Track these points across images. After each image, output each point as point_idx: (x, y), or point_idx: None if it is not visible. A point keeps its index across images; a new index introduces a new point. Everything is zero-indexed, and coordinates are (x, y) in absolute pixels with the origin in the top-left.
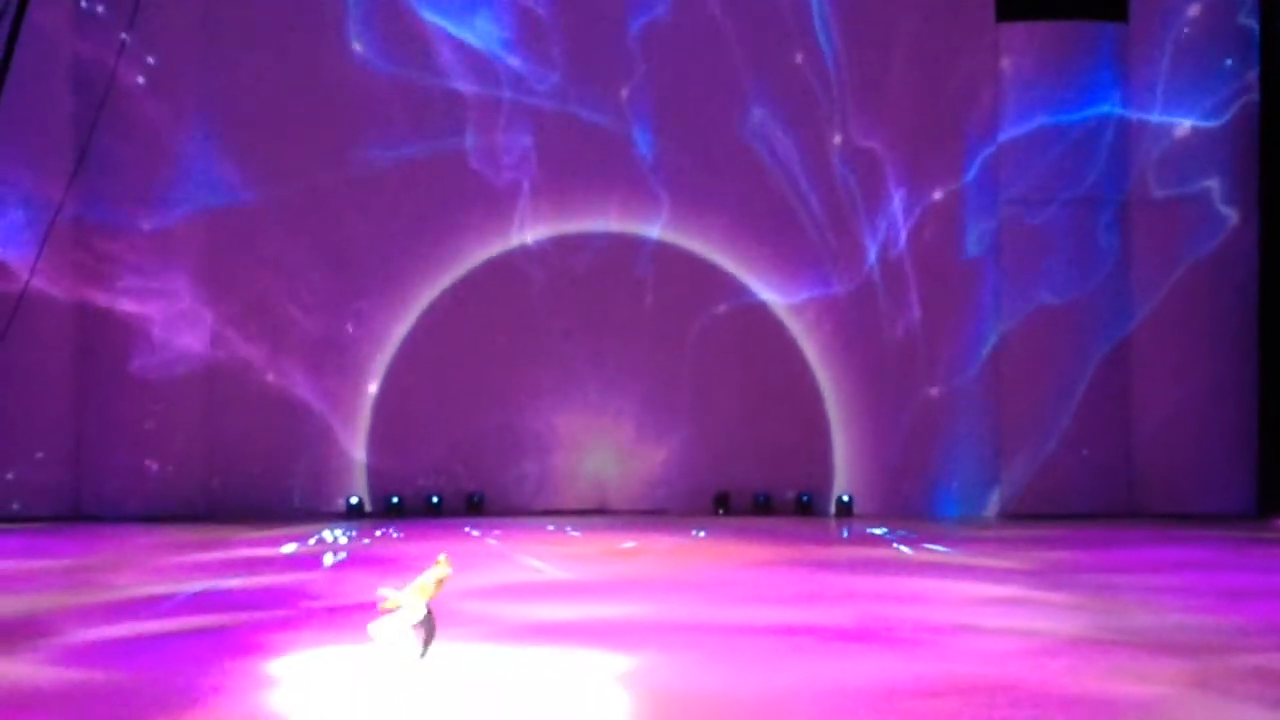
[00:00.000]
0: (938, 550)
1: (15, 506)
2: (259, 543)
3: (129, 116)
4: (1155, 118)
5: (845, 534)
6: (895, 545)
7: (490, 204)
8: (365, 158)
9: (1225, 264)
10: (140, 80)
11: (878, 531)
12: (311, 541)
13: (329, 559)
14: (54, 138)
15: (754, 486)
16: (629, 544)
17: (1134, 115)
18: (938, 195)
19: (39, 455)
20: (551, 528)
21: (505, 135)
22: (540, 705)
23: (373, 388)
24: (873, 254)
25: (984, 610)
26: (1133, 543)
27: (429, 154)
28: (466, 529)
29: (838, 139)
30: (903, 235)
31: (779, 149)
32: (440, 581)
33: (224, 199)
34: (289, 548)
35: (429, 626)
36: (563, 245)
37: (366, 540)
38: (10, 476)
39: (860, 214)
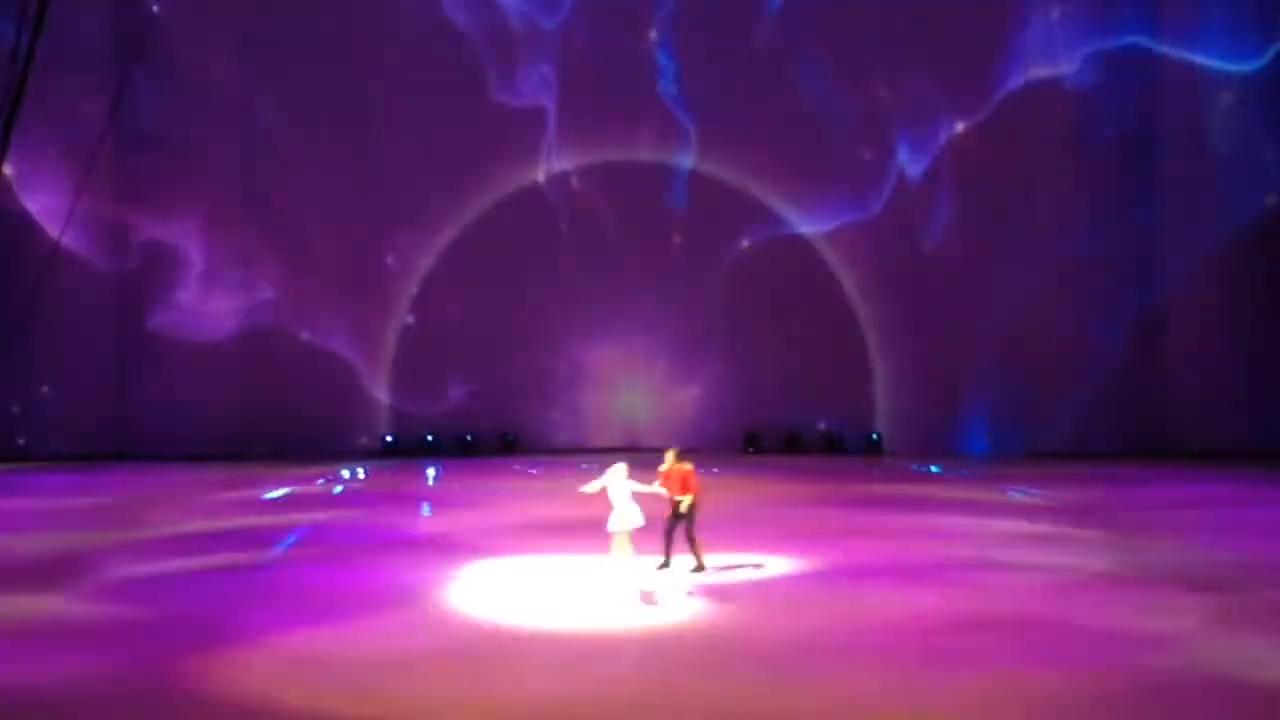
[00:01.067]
0: (967, 487)
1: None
2: (297, 480)
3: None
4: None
5: (875, 471)
6: (925, 482)
7: (515, 134)
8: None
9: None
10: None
11: (909, 468)
12: (345, 477)
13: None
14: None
15: (784, 424)
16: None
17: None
18: (961, 126)
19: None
20: (585, 466)
21: (525, 64)
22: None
23: (404, 322)
24: (908, 177)
25: (1012, 546)
26: (1159, 480)
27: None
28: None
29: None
30: (935, 161)
31: (810, 79)
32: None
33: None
34: (325, 486)
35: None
36: (590, 177)
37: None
38: (51, 413)
39: (897, 139)
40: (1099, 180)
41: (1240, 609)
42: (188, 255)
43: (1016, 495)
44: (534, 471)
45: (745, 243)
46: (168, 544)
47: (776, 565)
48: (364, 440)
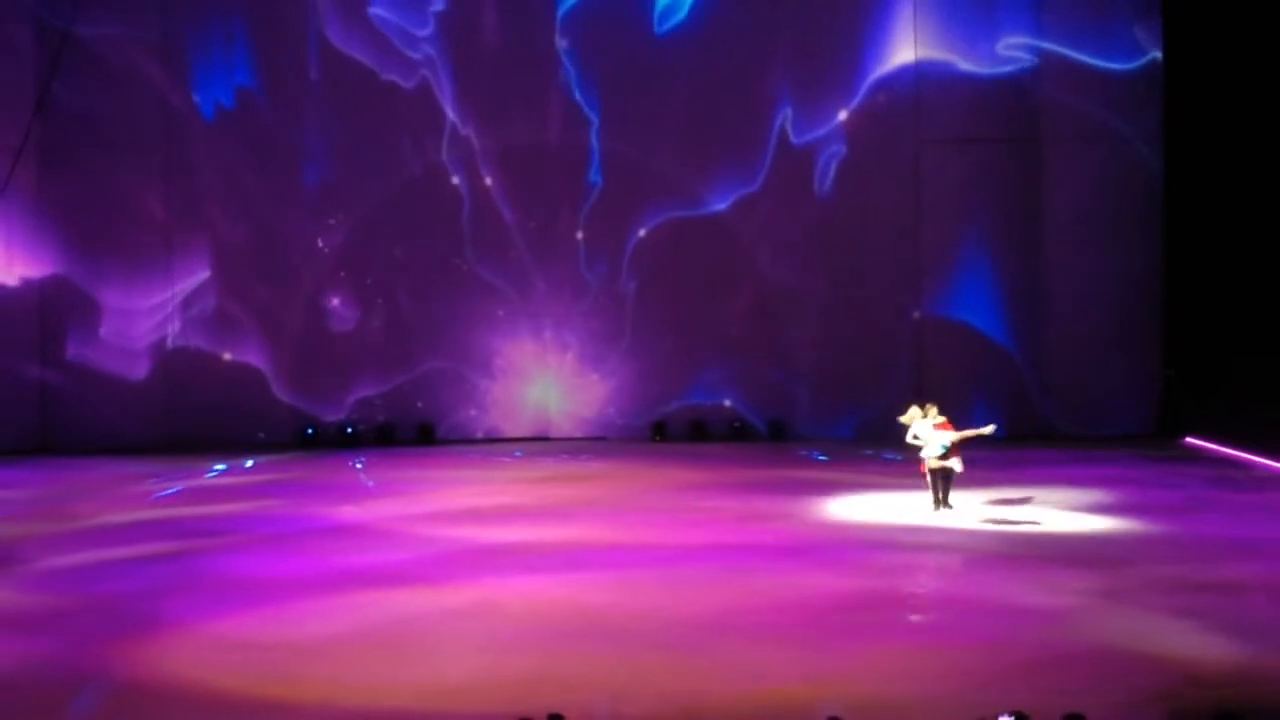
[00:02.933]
0: (856, 472)
1: None
2: (217, 472)
3: None
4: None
5: (778, 457)
6: (821, 467)
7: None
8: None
9: (1133, 195)
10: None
11: (809, 453)
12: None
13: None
14: None
15: (690, 412)
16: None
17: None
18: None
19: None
20: (518, 453)
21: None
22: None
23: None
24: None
25: (899, 529)
26: (1044, 462)
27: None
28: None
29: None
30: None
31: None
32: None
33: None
34: (238, 478)
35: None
36: (493, 164)
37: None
38: None
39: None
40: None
41: (1126, 585)
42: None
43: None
44: (518, 454)
45: (643, 232)
46: (93, 535)
47: (680, 548)
48: (262, 435)
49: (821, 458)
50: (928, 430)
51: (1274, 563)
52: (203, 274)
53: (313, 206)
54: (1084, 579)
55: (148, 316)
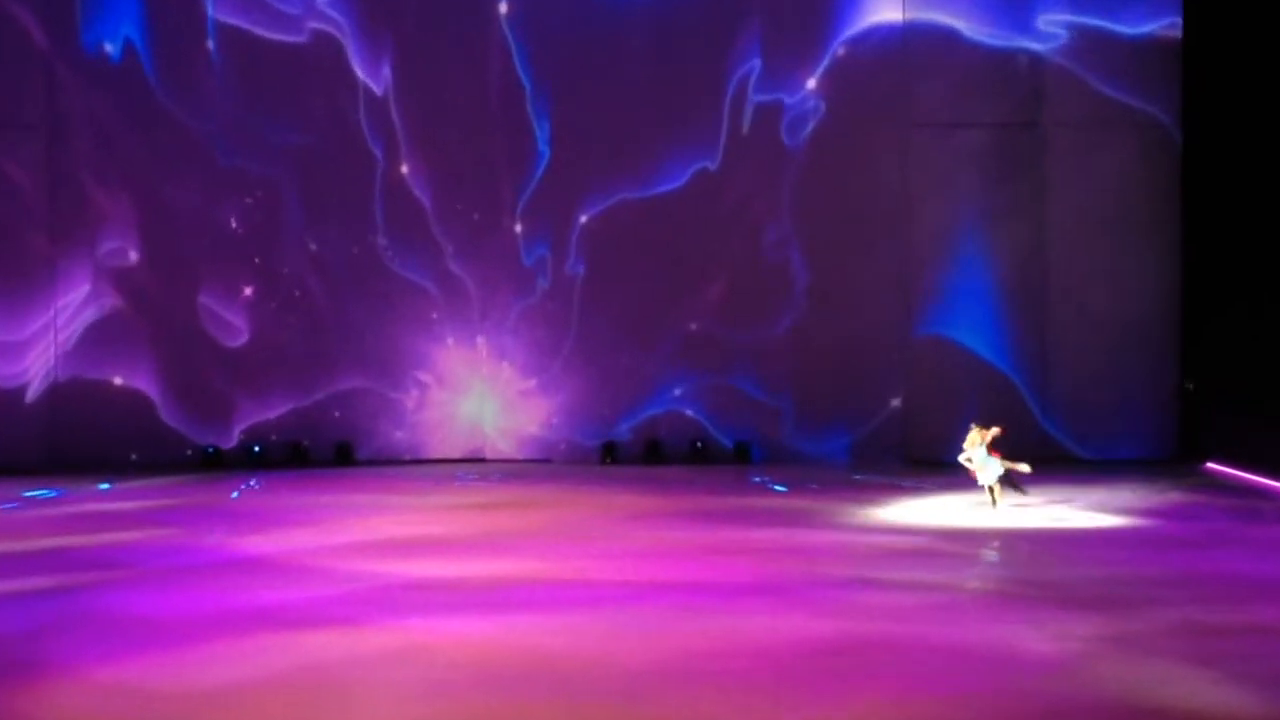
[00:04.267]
0: (834, 499)
1: None
2: (106, 497)
3: None
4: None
5: (739, 482)
6: (791, 495)
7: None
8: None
9: (1148, 185)
10: None
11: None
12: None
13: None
14: None
15: (645, 430)
16: (507, 495)
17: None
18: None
19: None
20: (465, 476)
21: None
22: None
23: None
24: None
25: (885, 563)
26: (1044, 489)
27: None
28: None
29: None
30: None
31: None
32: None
33: None
34: (129, 502)
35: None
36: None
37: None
38: None
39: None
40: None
41: (1136, 629)
42: None
43: (889, 506)
44: (466, 476)
45: (587, 219)
46: None
47: (629, 585)
48: (134, 456)
49: (780, 488)
50: (981, 456)
51: None
52: (84, 287)
53: (216, 193)
54: (1091, 622)
55: (30, 323)
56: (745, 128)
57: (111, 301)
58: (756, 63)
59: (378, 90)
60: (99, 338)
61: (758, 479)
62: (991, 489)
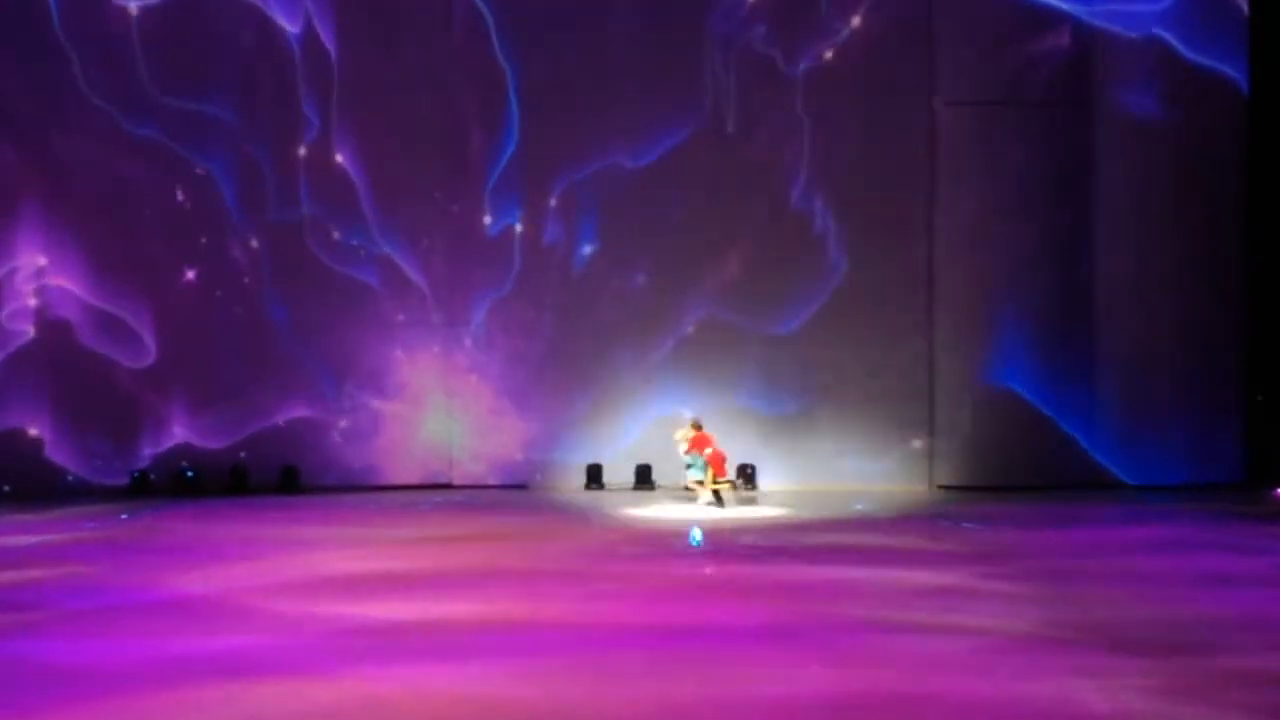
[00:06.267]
0: (849, 532)
1: None
2: (21, 528)
3: None
4: None
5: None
6: (797, 527)
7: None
8: None
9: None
10: None
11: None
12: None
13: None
14: None
15: (632, 455)
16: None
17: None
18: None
19: None
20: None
21: None
22: None
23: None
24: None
25: (918, 603)
26: (1097, 520)
27: None
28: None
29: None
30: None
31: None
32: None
33: None
34: (40, 535)
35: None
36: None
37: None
38: None
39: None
40: None
41: (1197, 677)
42: None
43: (921, 540)
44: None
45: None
46: None
47: (625, 627)
48: (8, 488)
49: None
50: (690, 456)
51: None
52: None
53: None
54: (1145, 669)
55: None
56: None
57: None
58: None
59: (337, 61)
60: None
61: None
62: (715, 490)
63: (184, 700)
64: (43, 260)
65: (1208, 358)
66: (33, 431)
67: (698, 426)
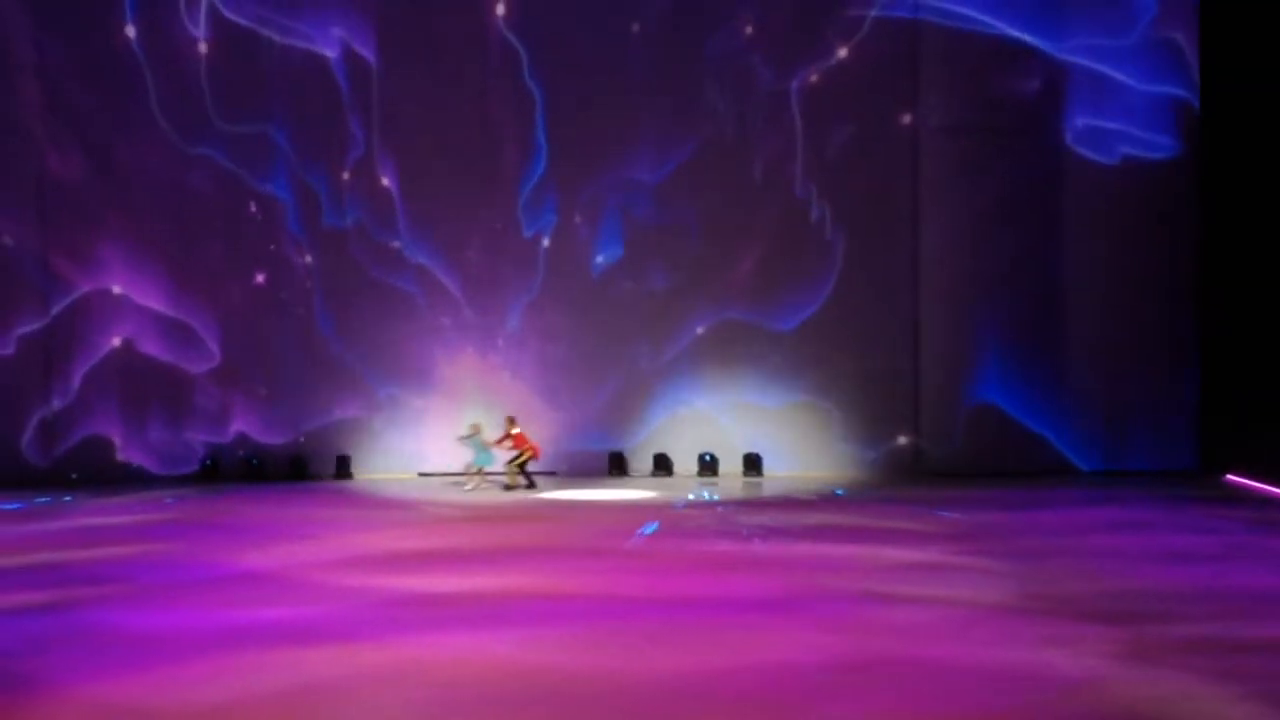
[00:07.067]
0: (851, 513)
1: None
2: (100, 511)
3: None
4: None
5: (752, 493)
6: (806, 507)
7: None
8: None
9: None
10: None
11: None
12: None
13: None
14: None
15: (654, 445)
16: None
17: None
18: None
19: None
20: (436, 492)
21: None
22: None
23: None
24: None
25: (899, 577)
26: (1064, 503)
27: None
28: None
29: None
30: None
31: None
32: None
33: None
34: (121, 517)
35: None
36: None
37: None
38: None
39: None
40: None
41: (1154, 643)
42: None
43: (903, 521)
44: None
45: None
46: None
47: (631, 600)
48: (74, 475)
49: (840, 492)
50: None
51: None
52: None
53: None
54: (1109, 637)
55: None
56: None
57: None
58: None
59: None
60: None
61: (786, 488)
62: (517, 474)
63: (248, 664)
64: (118, 285)
65: (1164, 356)
66: (109, 428)
67: (476, 429)
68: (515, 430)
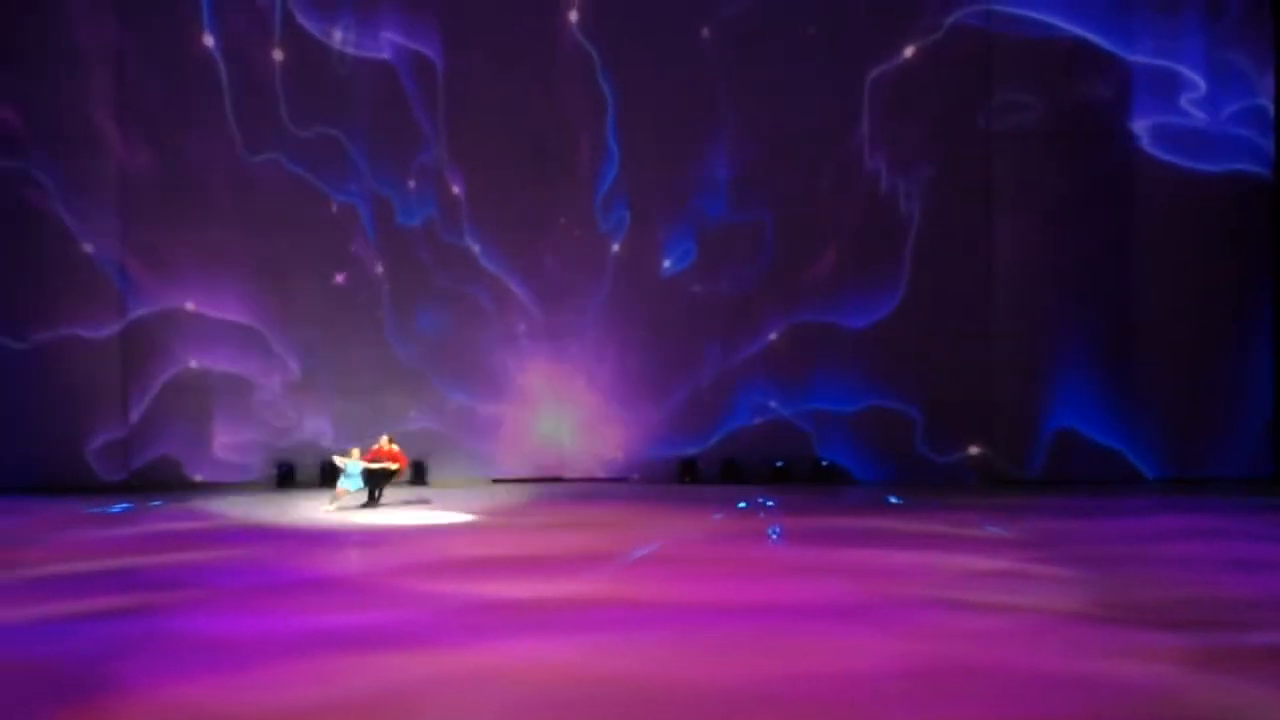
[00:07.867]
0: (924, 520)
1: None
2: (179, 516)
3: None
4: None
5: (824, 502)
6: (880, 514)
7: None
8: None
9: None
10: None
11: (870, 499)
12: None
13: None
14: None
15: (725, 452)
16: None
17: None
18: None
19: None
20: (510, 499)
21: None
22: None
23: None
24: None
25: (971, 585)
26: (1135, 510)
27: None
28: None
29: None
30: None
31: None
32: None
33: None
34: (199, 522)
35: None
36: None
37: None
38: None
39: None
40: None
41: (1226, 652)
42: None
43: (975, 529)
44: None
45: (667, 263)
46: (32, 588)
47: (709, 606)
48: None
49: (894, 500)
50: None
51: None
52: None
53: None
54: (1180, 646)
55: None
56: None
57: None
58: None
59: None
60: None
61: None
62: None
63: (324, 668)
64: (191, 303)
65: (1239, 360)
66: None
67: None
68: (387, 446)
